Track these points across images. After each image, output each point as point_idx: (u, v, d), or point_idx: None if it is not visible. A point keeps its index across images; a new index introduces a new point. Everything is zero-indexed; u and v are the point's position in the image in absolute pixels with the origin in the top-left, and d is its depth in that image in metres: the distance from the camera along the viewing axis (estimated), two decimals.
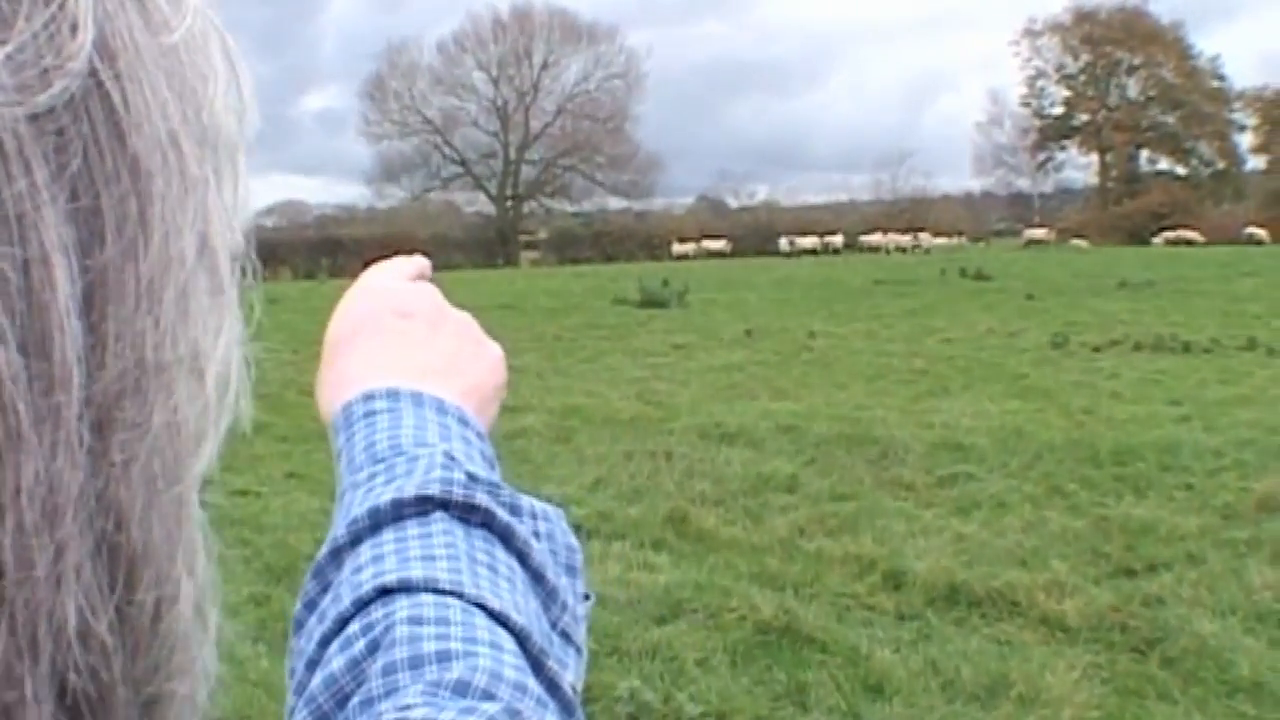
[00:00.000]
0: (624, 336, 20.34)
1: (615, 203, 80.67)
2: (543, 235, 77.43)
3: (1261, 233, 59.47)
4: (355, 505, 0.70)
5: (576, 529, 0.78)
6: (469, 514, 0.70)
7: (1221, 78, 79.47)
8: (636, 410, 11.89)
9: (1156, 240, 60.63)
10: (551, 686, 0.63)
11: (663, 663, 5.38)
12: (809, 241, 63.14)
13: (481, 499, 0.71)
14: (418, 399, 0.79)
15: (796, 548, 7.23)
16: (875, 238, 62.52)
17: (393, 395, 0.79)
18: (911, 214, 74.20)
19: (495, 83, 79.21)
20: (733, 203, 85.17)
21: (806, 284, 33.48)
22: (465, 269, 58.61)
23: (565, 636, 0.71)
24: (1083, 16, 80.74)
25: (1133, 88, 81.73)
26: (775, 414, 11.41)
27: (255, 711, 4.76)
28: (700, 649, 5.55)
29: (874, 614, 6.15)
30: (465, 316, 0.91)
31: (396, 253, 0.97)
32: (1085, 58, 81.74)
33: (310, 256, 57.65)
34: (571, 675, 0.68)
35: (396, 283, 0.92)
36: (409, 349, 0.84)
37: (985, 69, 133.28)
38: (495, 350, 0.90)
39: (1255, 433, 9.92)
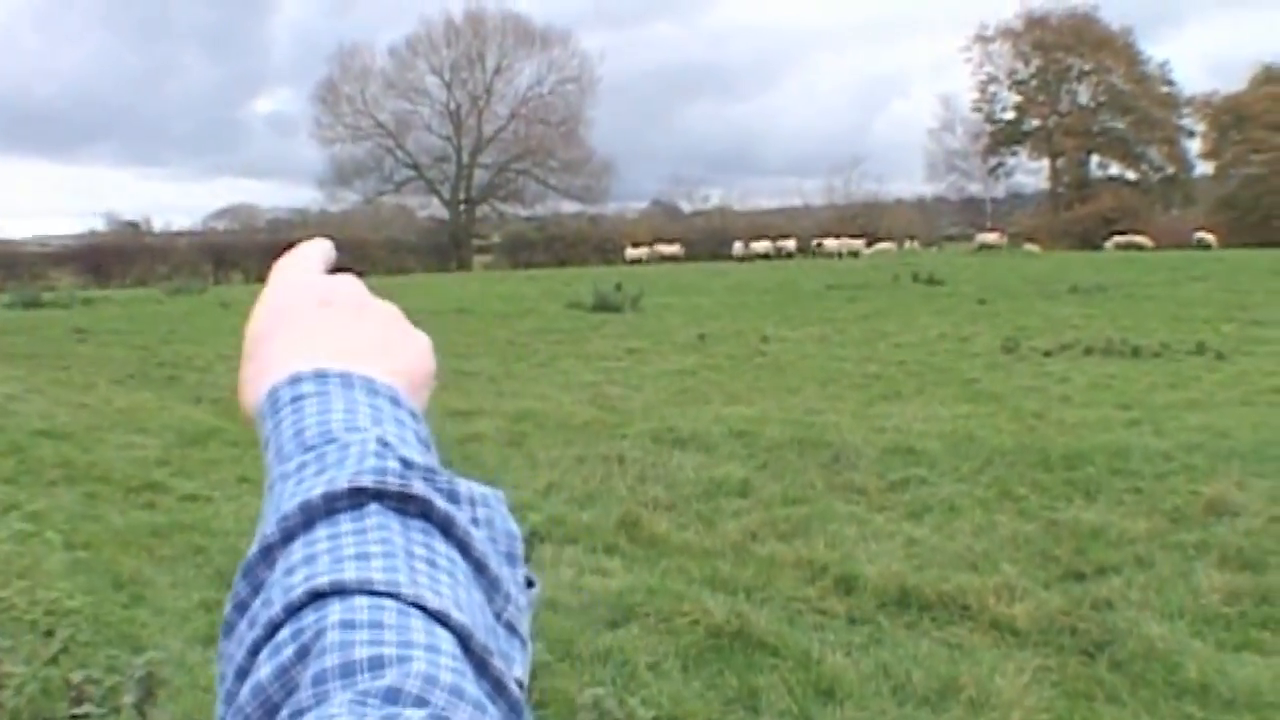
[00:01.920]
0: (577, 341, 20.34)
1: (569, 207, 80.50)
2: (496, 239, 77.14)
3: (1210, 237, 59.99)
4: (285, 499, 0.67)
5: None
6: (405, 504, 0.67)
7: (1171, 84, 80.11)
8: (589, 415, 11.88)
9: (1108, 245, 61.07)
10: (497, 686, 0.61)
11: (615, 667, 5.37)
12: (762, 246, 63.19)
13: (418, 488, 0.67)
14: (347, 380, 0.75)
15: (749, 552, 7.24)
16: (828, 242, 62.64)
17: (320, 378, 0.75)
18: (864, 219, 74.49)
19: (448, 86, 78.89)
20: (686, 207, 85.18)
21: (760, 288, 33.55)
22: (418, 273, 58.51)
23: (510, 628, 0.68)
24: (1034, 22, 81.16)
25: (1083, 93, 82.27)
26: (728, 418, 11.43)
27: (205, 718, 4.72)
28: (652, 653, 5.54)
29: (825, 618, 6.16)
30: (390, 306, 0.87)
31: (345, 257, 0.95)
32: (1036, 63, 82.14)
33: (262, 260, 56.98)
34: (519, 669, 0.66)
35: (313, 275, 0.88)
36: (333, 333, 0.81)
37: (936, 74, 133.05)
38: (423, 338, 0.86)
39: (1204, 436, 10.02)
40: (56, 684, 4.42)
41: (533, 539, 6.15)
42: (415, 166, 78.99)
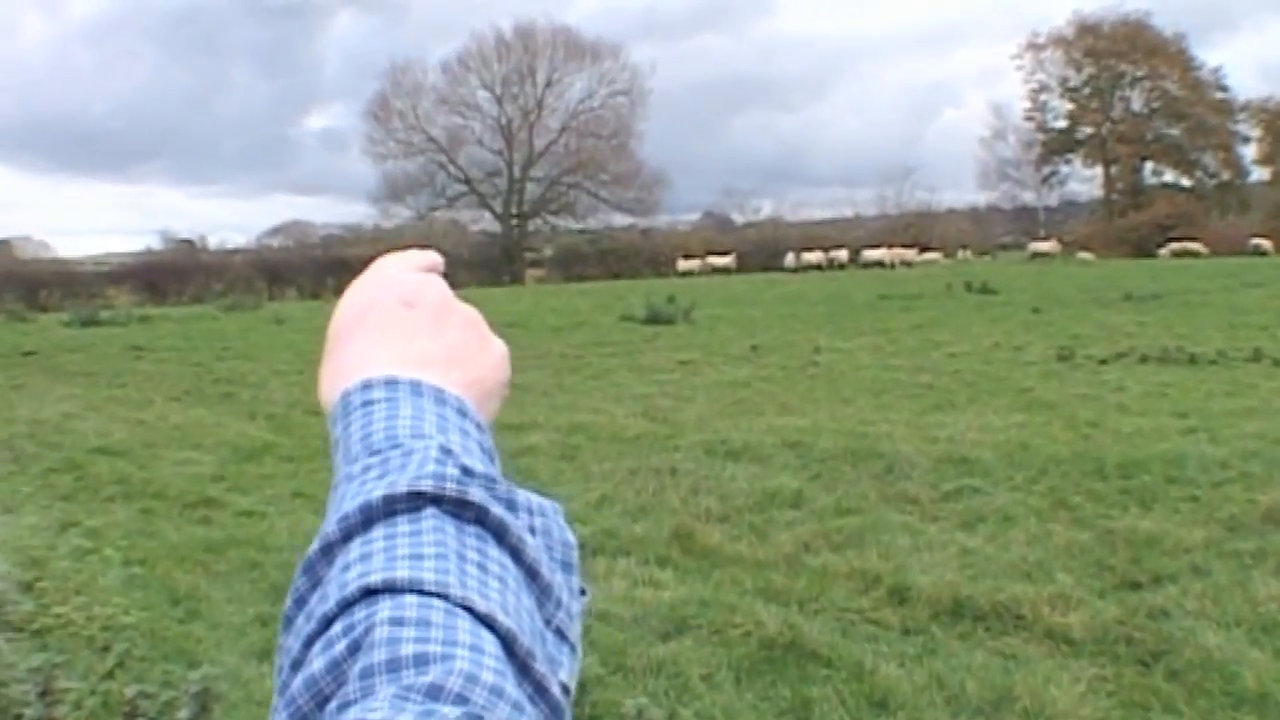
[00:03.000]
0: (630, 353, 20.36)
1: (620, 220, 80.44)
2: (548, 253, 77.31)
3: (1267, 244, 59.36)
4: (348, 499, 0.70)
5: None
6: (462, 510, 0.70)
7: (1225, 89, 79.28)
8: (642, 427, 11.90)
9: (1163, 252, 60.49)
10: (539, 689, 0.64)
11: (667, 679, 5.38)
12: (814, 257, 63.04)
13: (475, 494, 0.70)
14: (416, 388, 0.79)
15: (801, 563, 7.22)
16: (880, 252, 62.31)
17: (391, 384, 0.78)
18: (916, 228, 74.08)
19: (499, 101, 79.24)
20: (738, 219, 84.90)
21: (812, 299, 33.49)
22: (471, 287, 58.67)
23: (560, 634, 0.71)
24: (1085, 29, 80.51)
25: (1136, 100, 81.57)
26: (781, 429, 11.41)
27: None
28: (705, 665, 5.54)
29: (879, 629, 6.14)
30: (472, 311, 0.90)
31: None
32: (1088, 71, 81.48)
33: (316, 276, 57.66)
34: (565, 674, 0.69)
35: (404, 272, 0.91)
36: (411, 338, 0.84)
37: (988, 83, 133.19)
38: (500, 346, 0.90)
39: (1261, 444, 9.90)
40: (114, 699, 4.48)
41: (584, 551, 6.17)
42: (467, 181, 79.38)
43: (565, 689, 0.68)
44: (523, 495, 0.75)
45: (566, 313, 30.70)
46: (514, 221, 79.16)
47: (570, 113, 79.54)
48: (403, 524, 0.68)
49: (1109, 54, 79.57)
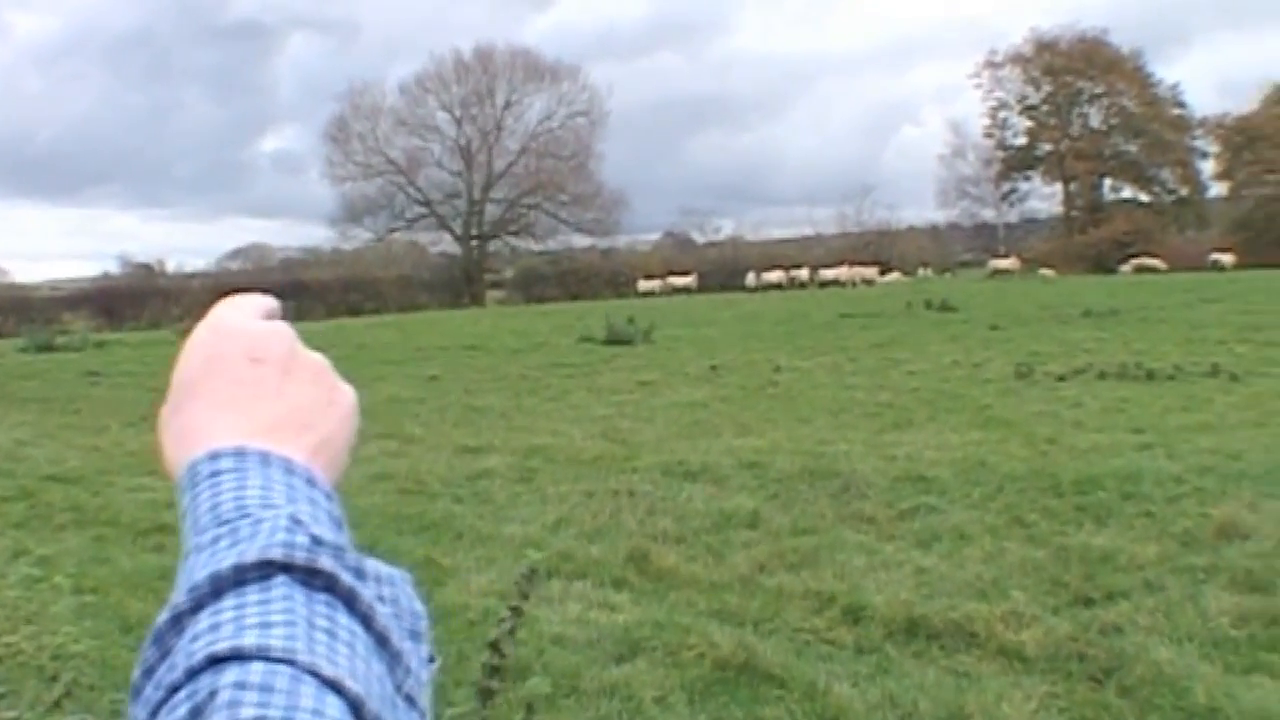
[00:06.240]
0: (589, 375, 20.36)
1: (580, 240, 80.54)
2: (508, 274, 77.30)
3: (1226, 258, 59.81)
4: (198, 569, 0.70)
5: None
6: (311, 578, 0.70)
7: (1182, 105, 79.94)
8: (600, 449, 11.88)
9: (1124, 268, 60.94)
10: None
11: (620, 701, 5.36)
12: (775, 276, 63.20)
13: (325, 563, 0.70)
14: (265, 459, 0.78)
15: (757, 584, 7.21)
16: (840, 271, 62.50)
17: (239, 455, 0.78)
18: (877, 246, 74.41)
19: (458, 122, 79.18)
20: (698, 238, 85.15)
21: (772, 318, 33.58)
22: (431, 309, 58.56)
23: (410, 700, 0.71)
24: (1043, 47, 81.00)
25: (1095, 117, 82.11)
26: (738, 450, 11.42)
27: None
28: (658, 687, 5.52)
29: (833, 648, 6.13)
30: (319, 361, 0.89)
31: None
32: (1047, 88, 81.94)
33: (276, 300, 57.34)
34: None
35: (249, 321, 0.90)
36: (259, 399, 0.83)
37: (946, 100, 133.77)
38: (349, 397, 0.89)
39: (1216, 459, 9.98)
40: None
41: (540, 574, 6.14)
42: (427, 203, 79.22)
43: None
44: (371, 564, 0.75)
45: (526, 334, 30.67)
46: (474, 243, 79.04)
47: (529, 134, 79.62)
48: (252, 593, 0.68)
49: (1067, 71, 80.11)
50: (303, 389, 0.86)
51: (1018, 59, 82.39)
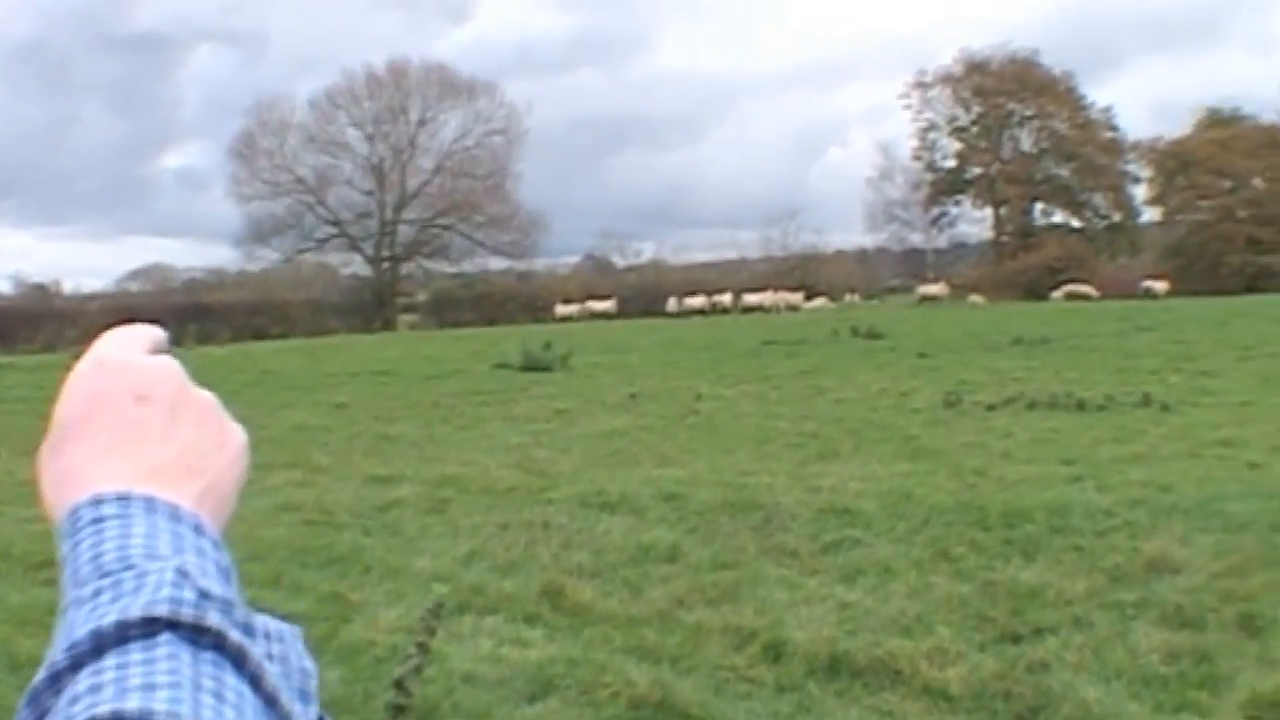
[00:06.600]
0: (504, 402, 20.15)
1: (497, 263, 79.70)
2: (421, 298, 76.64)
3: (1159, 285, 59.60)
4: (78, 625, 0.66)
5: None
6: (199, 635, 0.67)
7: (1114, 129, 79.32)
8: (515, 479, 11.67)
9: (1055, 295, 60.77)
10: None
11: None
12: (697, 301, 63.12)
13: (212, 619, 0.67)
14: (150, 505, 0.74)
15: (675, 619, 7.04)
16: (764, 296, 62.45)
17: (124, 500, 0.74)
18: (802, 271, 74.33)
19: (370, 140, 77.79)
20: (619, 262, 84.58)
21: (694, 345, 33.48)
22: (340, 333, 57.92)
23: None
24: (973, 67, 79.95)
25: (1026, 140, 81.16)
26: (658, 481, 11.26)
27: None
28: None
29: (753, 686, 5.99)
30: (209, 399, 0.85)
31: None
32: (977, 109, 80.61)
33: (177, 323, 56.33)
34: None
35: (136, 356, 0.85)
36: (144, 442, 0.79)
37: (874, 121, 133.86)
38: (238, 439, 0.85)
39: (1146, 491, 9.94)
40: None
41: (450, 609, 5.92)
42: (337, 223, 77.89)
43: None
44: (260, 620, 0.72)
45: (439, 360, 30.33)
46: (385, 265, 77.92)
47: (444, 152, 78.36)
48: (136, 651, 0.65)
49: (997, 92, 79.26)
50: (191, 430, 0.82)
51: (948, 79, 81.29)
